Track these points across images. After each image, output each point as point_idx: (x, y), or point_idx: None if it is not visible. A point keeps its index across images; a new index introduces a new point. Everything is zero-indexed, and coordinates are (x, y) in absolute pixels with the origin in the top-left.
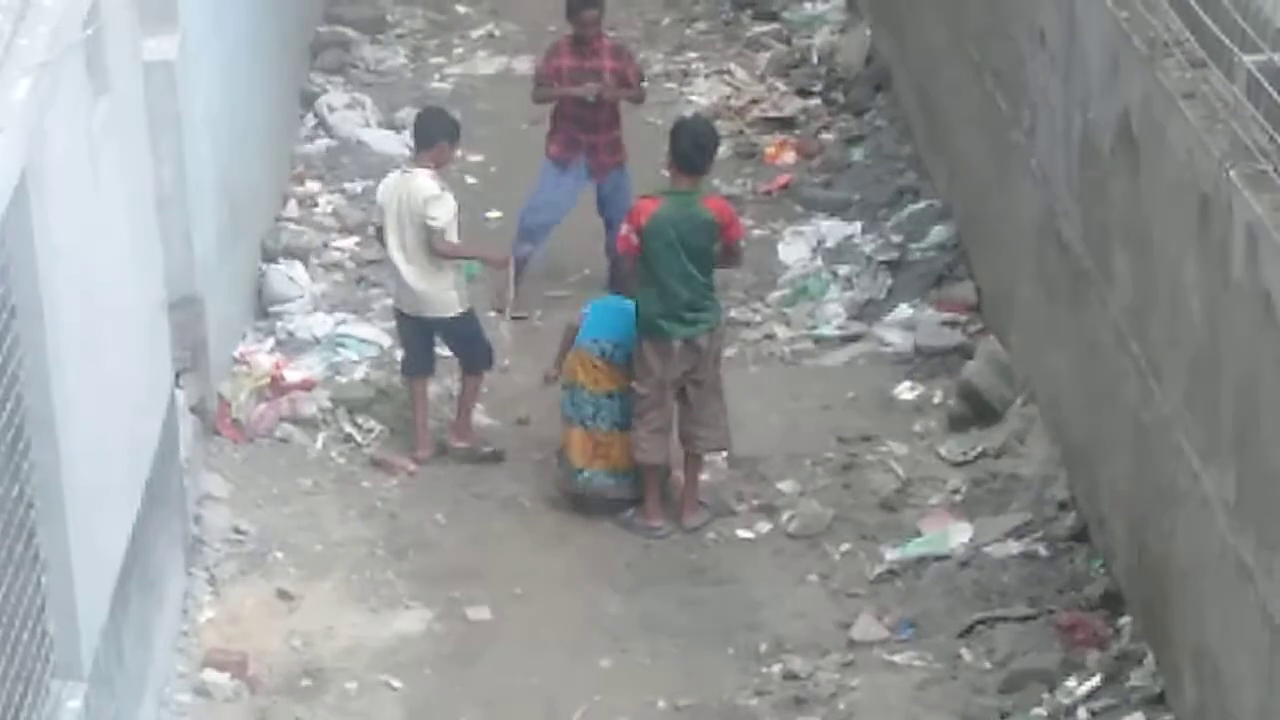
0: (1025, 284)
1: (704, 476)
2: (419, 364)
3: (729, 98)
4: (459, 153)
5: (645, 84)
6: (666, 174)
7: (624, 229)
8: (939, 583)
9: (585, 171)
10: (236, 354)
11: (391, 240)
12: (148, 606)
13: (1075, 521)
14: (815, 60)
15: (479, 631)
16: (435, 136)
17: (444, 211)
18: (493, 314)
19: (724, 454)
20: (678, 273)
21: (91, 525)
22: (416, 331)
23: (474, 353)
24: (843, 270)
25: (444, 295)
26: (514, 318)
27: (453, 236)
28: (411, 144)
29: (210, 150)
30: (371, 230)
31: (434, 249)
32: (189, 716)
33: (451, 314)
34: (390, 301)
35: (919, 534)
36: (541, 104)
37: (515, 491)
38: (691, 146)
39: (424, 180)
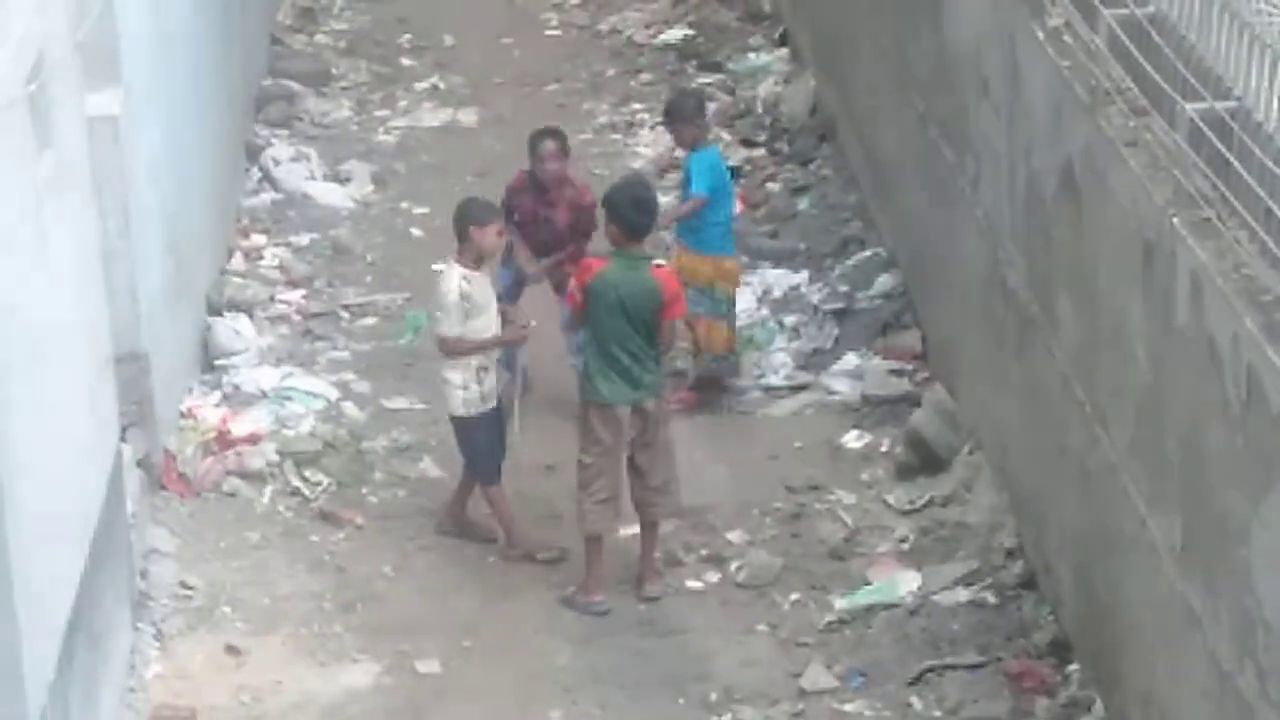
0: (971, 332)
1: None
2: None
3: (674, 149)
4: (491, 232)
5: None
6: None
7: (571, 284)
8: (888, 631)
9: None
10: (183, 408)
11: None
12: (94, 662)
13: (1023, 569)
14: (760, 111)
15: (428, 684)
16: (458, 226)
17: (442, 313)
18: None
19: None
20: (618, 336)
21: (37, 580)
22: None
23: (469, 458)
24: (789, 320)
25: (449, 391)
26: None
27: (457, 332)
28: None
29: (155, 204)
30: None
31: (441, 349)
32: None
33: (453, 412)
34: (336, 354)
35: (868, 583)
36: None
37: (463, 543)
38: (633, 209)
39: (441, 279)
